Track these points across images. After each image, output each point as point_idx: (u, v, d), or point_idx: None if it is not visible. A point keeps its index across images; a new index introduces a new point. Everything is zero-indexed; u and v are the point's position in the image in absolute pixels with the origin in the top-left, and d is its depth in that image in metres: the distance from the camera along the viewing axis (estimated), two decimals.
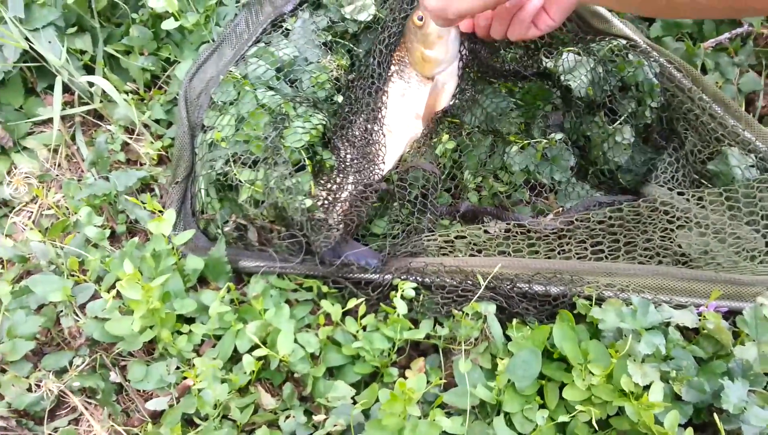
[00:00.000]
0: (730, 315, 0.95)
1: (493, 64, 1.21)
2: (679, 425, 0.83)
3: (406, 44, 1.22)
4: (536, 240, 1.09)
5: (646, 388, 0.85)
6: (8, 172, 1.22)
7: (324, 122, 1.12)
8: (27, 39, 1.23)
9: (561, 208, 1.16)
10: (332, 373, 0.99)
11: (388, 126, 1.21)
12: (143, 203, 1.01)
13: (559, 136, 1.15)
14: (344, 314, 0.99)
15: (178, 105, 1.15)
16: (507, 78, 1.23)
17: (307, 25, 1.23)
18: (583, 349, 0.90)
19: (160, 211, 1.01)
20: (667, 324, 0.92)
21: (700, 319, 0.92)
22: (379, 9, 1.24)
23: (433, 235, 1.09)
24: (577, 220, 1.08)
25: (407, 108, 1.23)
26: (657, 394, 0.83)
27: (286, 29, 1.24)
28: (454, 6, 0.95)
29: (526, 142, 1.15)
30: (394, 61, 1.22)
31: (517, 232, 1.09)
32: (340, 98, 1.19)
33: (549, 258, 1.05)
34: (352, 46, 1.25)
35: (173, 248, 1.03)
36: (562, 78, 1.15)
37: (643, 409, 0.82)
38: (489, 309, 0.98)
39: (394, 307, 0.96)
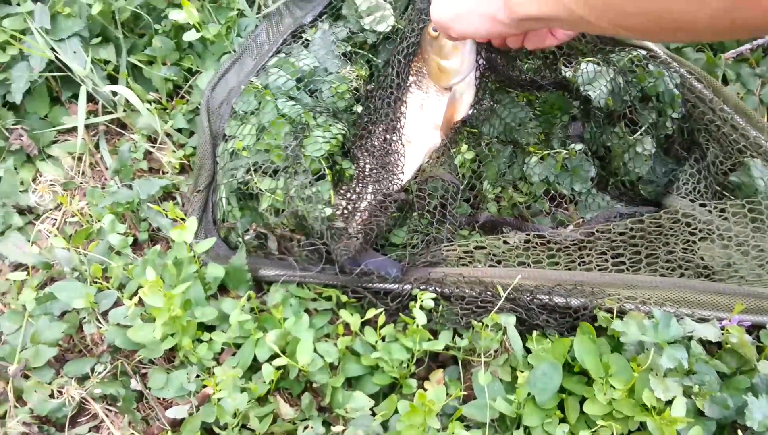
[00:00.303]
0: (754, 329, 0.94)
1: (510, 74, 1.21)
2: None
3: (423, 55, 1.22)
4: (556, 251, 1.08)
5: (669, 403, 0.84)
6: (33, 180, 1.24)
7: (344, 132, 1.12)
8: (52, 49, 1.25)
9: (581, 220, 1.15)
10: (351, 383, 0.99)
11: (407, 136, 1.21)
12: (166, 211, 1.03)
13: (579, 146, 1.14)
14: (363, 324, 0.99)
15: (200, 114, 1.17)
16: (525, 88, 1.23)
17: (327, 35, 1.24)
18: (605, 363, 0.89)
19: (182, 219, 1.02)
20: (690, 338, 0.91)
21: (723, 333, 0.90)
22: (398, 20, 1.25)
23: (452, 245, 1.09)
24: (597, 231, 1.07)
25: (426, 118, 1.23)
26: (680, 409, 0.82)
27: (306, 40, 1.25)
28: (458, 26, 0.96)
29: (545, 152, 1.15)
30: (412, 72, 1.23)
31: (537, 243, 1.09)
32: (359, 108, 1.20)
33: (569, 269, 1.04)
34: (371, 56, 1.26)
35: (195, 256, 1.04)
36: (581, 88, 1.14)
37: (665, 425, 0.81)
38: (509, 320, 0.97)
39: (414, 318, 0.96)
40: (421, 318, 0.96)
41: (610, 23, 0.72)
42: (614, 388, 0.87)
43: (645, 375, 0.86)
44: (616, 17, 0.70)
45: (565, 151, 1.14)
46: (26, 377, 0.99)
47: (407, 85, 1.22)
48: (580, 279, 1.00)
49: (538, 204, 1.18)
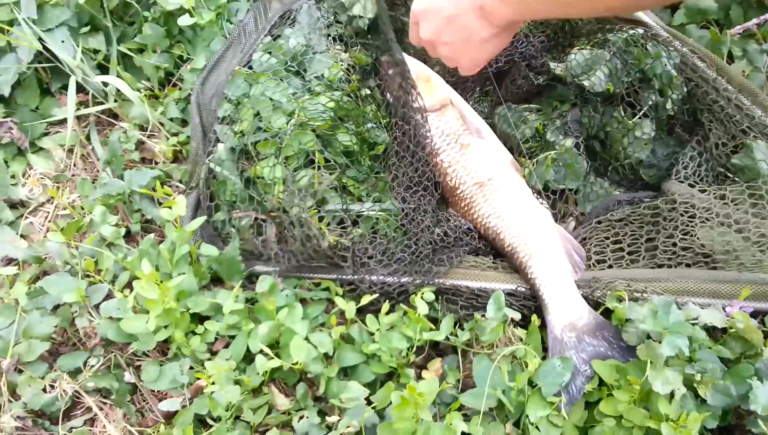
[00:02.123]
0: (756, 316, 0.91)
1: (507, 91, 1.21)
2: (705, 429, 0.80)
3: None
4: None
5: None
6: (24, 174, 1.23)
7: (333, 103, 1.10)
8: (40, 40, 1.23)
9: (578, 215, 1.13)
10: (347, 372, 0.98)
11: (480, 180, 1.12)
12: (158, 198, 1.01)
13: (569, 142, 1.11)
14: (361, 311, 0.98)
15: (191, 111, 1.15)
16: (521, 101, 1.21)
17: (312, 11, 1.21)
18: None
19: (168, 195, 1.01)
20: (694, 324, 0.89)
21: (728, 318, 0.88)
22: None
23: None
24: (597, 222, 1.06)
25: (473, 149, 1.15)
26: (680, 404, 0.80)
27: (293, 20, 1.23)
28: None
29: (534, 161, 1.12)
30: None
31: None
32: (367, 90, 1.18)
33: None
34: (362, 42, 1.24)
35: (182, 231, 1.02)
36: (576, 80, 1.11)
37: (679, 431, 0.79)
38: (514, 315, 0.96)
39: (415, 307, 0.94)
40: (422, 308, 0.94)
41: None
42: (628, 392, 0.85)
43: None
44: None
45: (553, 153, 1.11)
46: (19, 371, 0.98)
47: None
48: (579, 280, 0.99)
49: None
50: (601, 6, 0.86)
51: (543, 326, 0.97)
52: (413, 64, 1.18)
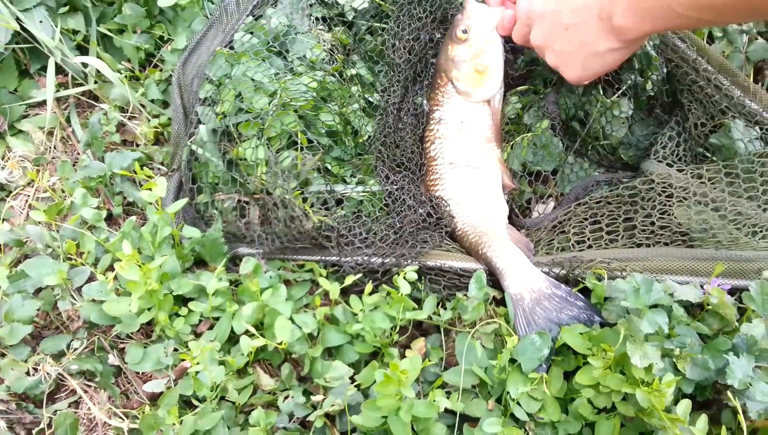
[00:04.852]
0: (734, 292, 0.93)
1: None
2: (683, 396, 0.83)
3: (447, 75, 1.16)
4: (534, 232, 1.10)
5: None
6: (3, 157, 1.21)
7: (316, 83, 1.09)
8: (18, 20, 1.21)
9: (558, 196, 1.14)
10: (332, 352, 0.98)
11: (458, 161, 1.14)
12: (134, 173, 1.00)
13: (545, 124, 1.12)
14: (345, 292, 0.98)
15: (172, 92, 1.13)
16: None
17: None
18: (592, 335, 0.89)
19: (149, 177, 1.00)
20: (671, 297, 0.90)
21: (704, 294, 0.90)
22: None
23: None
24: (575, 206, 1.07)
25: (473, 136, 1.15)
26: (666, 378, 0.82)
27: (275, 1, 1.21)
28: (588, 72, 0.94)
29: (511, 144, 1.13)
30: (435, 104, 1.17)
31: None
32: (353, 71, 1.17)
33: (548, 246, 1.04)
34: (345, 22, 1.23)
35: (165, 213, 1.01)
36: None
37: (653, 395, 0.80)
38: (496, 293, 0.97)
39: (398, 287, 0.95)
40: (405, 287, 0.95)
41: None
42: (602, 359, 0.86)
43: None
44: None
45: (530, 134, 1.12)
46: (2, 355, 0.98)
47: (430, 122, 1.17)
48: (557, 259, 1.00)
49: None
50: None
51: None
52: (480, 45, 1.14)
